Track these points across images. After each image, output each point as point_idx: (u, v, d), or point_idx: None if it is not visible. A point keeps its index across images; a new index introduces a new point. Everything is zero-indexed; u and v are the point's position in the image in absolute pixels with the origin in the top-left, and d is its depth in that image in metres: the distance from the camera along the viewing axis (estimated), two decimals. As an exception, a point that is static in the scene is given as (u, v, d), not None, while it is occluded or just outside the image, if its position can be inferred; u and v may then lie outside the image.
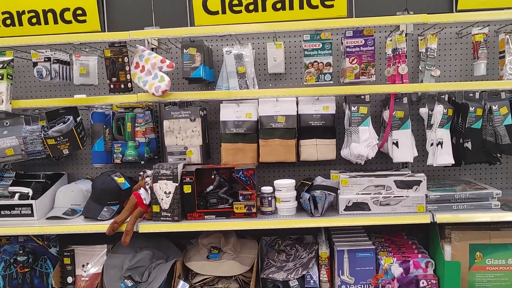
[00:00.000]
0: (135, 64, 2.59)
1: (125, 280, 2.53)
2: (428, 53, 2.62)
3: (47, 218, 2.62)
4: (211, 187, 2.60)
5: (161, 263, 2.63)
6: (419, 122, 2.81)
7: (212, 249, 2.71)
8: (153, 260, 2.63)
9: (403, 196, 2.45)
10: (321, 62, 2.56)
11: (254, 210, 2.49)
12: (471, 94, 2.57)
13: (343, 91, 2.49)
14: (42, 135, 2.61)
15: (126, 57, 2.59)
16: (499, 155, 2.54)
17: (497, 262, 2.48)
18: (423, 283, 2.44)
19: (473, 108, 2.49)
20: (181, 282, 2.55)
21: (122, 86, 2.61)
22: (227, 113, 2.68)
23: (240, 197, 2.49)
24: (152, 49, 2.81)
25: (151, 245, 2.72)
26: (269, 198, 2.54)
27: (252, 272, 2.59)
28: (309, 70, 2.57)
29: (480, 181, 2.74)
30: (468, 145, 2.52)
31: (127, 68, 2.59)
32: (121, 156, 2.74)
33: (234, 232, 2.77)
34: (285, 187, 2.52)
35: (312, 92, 2.50)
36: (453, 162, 2.53)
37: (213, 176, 2.63)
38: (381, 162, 2.89)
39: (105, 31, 3.02)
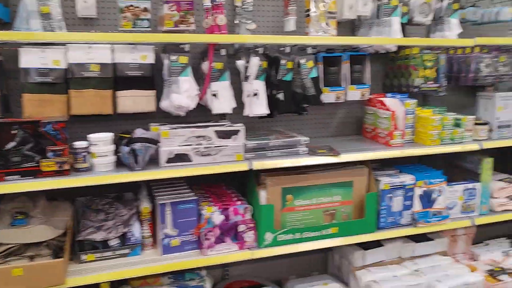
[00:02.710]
0: None
1: None
2: (243, 6, 2.67)
3: None
4: (13, 144, 2.25)
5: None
6: (234, 76, 2.86)
7: (17, 214, 2.39)
8: None
9: (223, 146, 2.51)
10: (138, 7, 2.39)
11: (67, 167, 2.25)
12: (282, 49, 2.74)
13: (164, 39, 2.39)
14: None
15: None
16: (306, 106, 2.77)
17: (304, 202, 2.73)
18: (242, 227, 2.57)
19: (284, 61, 2.65)
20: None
21: None
22: (30, 60, 2.32)
23: (50, 154, 2.23)
24: None
25: None
26: (84, 154, 2.33)
27: (66, 236, 2.37)
28: (125, 14, 2.38)
29: (292, 131, 2.95)
30: (280, 96, 2.69)
31: None
32: None
33: (44, 194, 2.48)
34: (101, 140, 2.35)
35: (130, 38, 2.33)
36: (268, 112, 2.67)
37: (15, 131, 2.28)
38: (200, 115, 2.88)
39: None
